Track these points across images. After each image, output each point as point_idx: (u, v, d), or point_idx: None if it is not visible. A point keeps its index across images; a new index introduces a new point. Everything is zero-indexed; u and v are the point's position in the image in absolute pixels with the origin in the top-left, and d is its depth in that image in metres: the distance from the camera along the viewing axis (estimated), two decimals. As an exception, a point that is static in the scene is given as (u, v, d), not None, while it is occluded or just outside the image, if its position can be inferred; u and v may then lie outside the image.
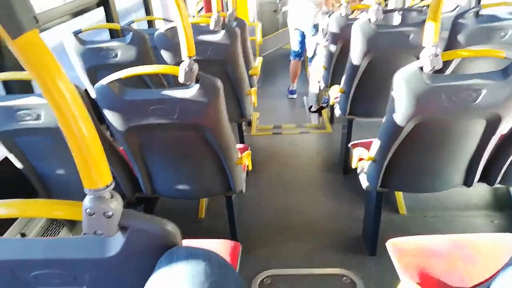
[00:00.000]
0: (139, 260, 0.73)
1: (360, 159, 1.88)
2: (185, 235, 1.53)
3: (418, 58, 1.41)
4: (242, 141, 2.94)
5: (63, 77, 0.61)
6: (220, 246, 1.46)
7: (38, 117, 1.40)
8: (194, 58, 1.45)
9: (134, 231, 0.72)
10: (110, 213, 0.68)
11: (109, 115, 1.48)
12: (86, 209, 0.67)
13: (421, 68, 1.36)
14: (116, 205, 0.69)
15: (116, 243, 0.72)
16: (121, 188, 1.78)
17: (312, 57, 3.99)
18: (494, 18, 2.30)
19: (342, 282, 1.92)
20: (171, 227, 0.74)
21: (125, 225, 0.71)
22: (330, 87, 2.95)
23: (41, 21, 2.26)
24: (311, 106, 4.15)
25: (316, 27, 4.01)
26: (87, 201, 0.68)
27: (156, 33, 2.28)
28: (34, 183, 1.73)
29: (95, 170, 0.67)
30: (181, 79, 1.44)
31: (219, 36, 2.23)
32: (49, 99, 0.61)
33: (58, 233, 1.92)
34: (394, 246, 1.43)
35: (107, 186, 0.68)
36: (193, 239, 1.52)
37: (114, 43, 2.31)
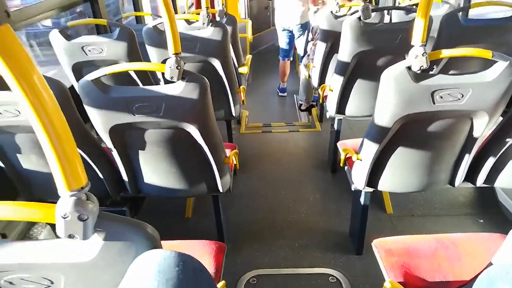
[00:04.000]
0: (117, 263, 0.71)
1: (348, 158, 1.88)
2: (172, 235, 1.52)
3: (406, 57, 1.41)
4: (230, 140, 2.92)
5: (36, 74, 0.59)
6: (205, 247, 1.44)
7: (18, 114, 1.36)
8: (182, 55, 1.43)
9: (111, 234, 0.69)
10: (85, 216, 0.66)
11: (93, 112, 1.45)
12: (60, 212, 0.65)
13: (409, 67, 1.36)
14: (91, 207, 0.67)
15: (92, 246, 0.70)
16: (106, 187, 1.75)
17: (303, 56, 3.98)
18: (483, 17, 2.31)
19: (328, 281, 1.92)
20: (150, 230, 0.72)
21: (101, 228, 0.69)
22: (320, 85, 2.95)
23: (26, 15, 2.21)
24: (301, 104, 4.15)
25: (303, 26, 4.00)
26: (61, 203, 0.66)
27: (143, 29, 2.24)
28: (14, 181, 1.69)
29: (69, 171, 0.64)
30: (167, 76, 1.41)
31: (208, 32, 2.20)
32: (20, 97, 0.58)
33: (41, 233, 1.88)
34: (380, 245, 1.43)
35: (82, 188, 0.66)
36: (178, 239, 1.51)
37: (100, 39, 2.27)
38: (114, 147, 1.58)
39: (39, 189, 1.72)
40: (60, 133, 0.62)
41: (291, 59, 4.34)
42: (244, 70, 3.07)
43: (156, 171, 1.70)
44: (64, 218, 0.65)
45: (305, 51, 3.90)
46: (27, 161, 1.63)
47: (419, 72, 1.36)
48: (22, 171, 1.66)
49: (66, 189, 0.65)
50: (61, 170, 0.64)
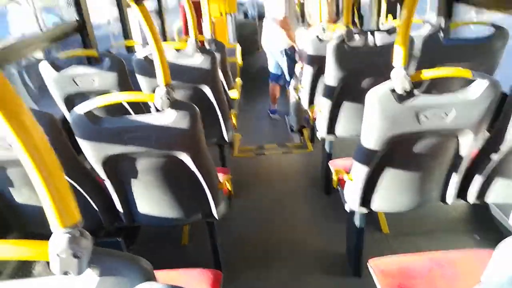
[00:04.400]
0: None
1: (340, 179, 1.89)
2: (168, 263, 1.51)
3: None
4: (224, 164, 2.93)
5: (24, 112, 0.60)
6: (201, 276, 1.43)
7: (9, 147, 1.37)
8: (172, 83, 1.46)
9: (105, 270, 0.69)
10: (80, 254, 0.66)
11: (84, 144, 1.46)
12: (54, 250, 0.65)
13: (392, 89, 1.39)
14: (85, 244, 0.67)
15: (87, 282, 0.70)
16: (100, 218, 1.74)
17: (290, 79, 4.05)
18: (463, 37, 2.39)
19: None
20: (143, 263, 0.73)
21: (95, 264, 0.69)
22: (309, 107, 2.99)
23: (18, 48, 2.24)
24: (292, 126, 4.19)
25: (284, 52, 4.02)
26: (54, 241, 0.66)
27: (134, 59, 2.28)
28: (7, 216, 1.68)
29: (62, 209, 0.65)
30: (157, 106, 1.43)
31: (197, 60, 2.24)
32: (8, 133, 0.59)
33: (34, 268, 1.84)
34: (376, 266, 1.43)
35: (76, 225, 0.66)
36: (175, 267, 1.50)
37: (91, 70, 2.30)
38: (108, 178, 1.59)
39: (32, 222, 1.70)
40: (51, 170, 0.62)
41: (281, 82, 4.38)
42: (234, 94, 3.11)
43: (150, 200, 1.70)
44: (58, 255, 0.65)
45: (292, 74, 3.97)
46: (19, 195, 1.62)
47: (402, 93, 1.39)
48: (15, 205, 1.64)
49: (60, 226, 0.65)
50: (54, 207, 0.64)
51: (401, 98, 1.39)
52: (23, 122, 0.60)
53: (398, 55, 1.37)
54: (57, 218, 0.65)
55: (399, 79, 1.36)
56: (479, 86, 1.38)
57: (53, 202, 0.64)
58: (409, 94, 1.39)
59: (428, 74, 1.43)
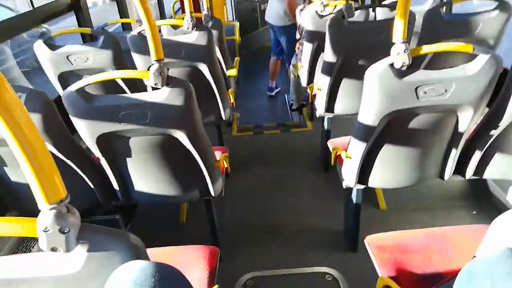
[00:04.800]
0: (101, 275, 0.70)
1: (338, 157, 1.88)
2: (166, 241, 1.51)
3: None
4: (221, 143, 2.92)
5: (5, 89, 0.58)
6: (198, 252, 1.44)
7: None
8: (167, 60, 1.43)
9: (94, 246, 0.69)
10: (67, 229, 0.65)
11: (78, 122, 1.44)
12: (41, 226, 0.65)
13: (392, 65, 1.36)
14: (72, 220, 0.66)
15: (76, 259, 0.69)
16: (97, 197, 1.74)
17: (290, 56, 3.99)
18: (465, 12, 2.33)
19: (324, 280, 1.92)
20: (133, 239, 0.72)
21: (84, 240, 0.69)
22: (308, 85, 2.96)
23: (9, 27, 2.20)
24: (292, 104, 4.16)
25: (285, 28, 3.98)
26: (41, 217, 0.65)
27: (128, 36, 2.23)
28: (4, 195, 1.68)
29: (48, 185, 0.64)
30: (150, 83, 1.41)
31: (193, 37, 2.20)
32: None
33: (34, 245, 1.86)
34: (373, 242, 1.43)
35: (62, 201, 0.65)
36: (173, 245, 1.50)
37: (85, 48, 2.26)
38: (103, 156, 1.58)
39: (27, 200, 1.71)
40: (34, 147, 0.61)
41: (281, 58, 4.32)
42: (232, 72, 3.07)
43: (146, 178, 1.70)
44: (45, 231, 0.65)
45: (292, 52, 3.91)
46: (15, 174, 1.61)
47: (402, 69, 1.36)
48: (11, 184, 1.64)
49: (45, 202, 0.65)
50: (39, 183, 0.63)
51: (401, 74, 1.36)
52: (4, 99, 0.58)
53: (398, 30, 1.34)
54: (43, 194, 0.64)
55: (398, 54, 1.33)
56: (480, 61, 1.35)
57: (37, 179, 0.63)
58: (409, 70, 1.37)
59: (428, 48, 1.39)
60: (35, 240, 1.89)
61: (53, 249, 0.67)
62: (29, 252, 1.82)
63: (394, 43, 1.36)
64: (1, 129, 0.59)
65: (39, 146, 0.62)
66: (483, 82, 1.37)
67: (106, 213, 1.99)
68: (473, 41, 1.70)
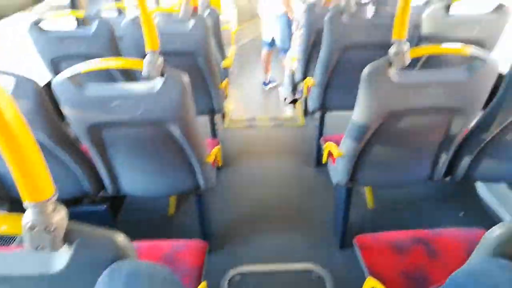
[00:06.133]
0: (87, 274, 0.69)
1: (330, 154, 1.88)
2: (154, 233, 1.50)
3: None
4: (214, 135, 2.89)
5: None
6: (186, 246, 1.43)
7: None
8: (162, 50, 1.39)
9: (80, 245, 0.67)
10: (53, 228, 0.63)
11: (69, 111, 1.40)
12: (26, 224, 0.62)
13: (389, 64, 1.35)
14: (59, 218, 0.64)
15: (62, 258, 0.67)
16: (84, 187, 1.71)
17: (285, 48, 3.95)
18: (464, 12, 2.32)
19: (311, 277, 1.93)
20: (121, 239, 0.70)
21: (70, 239, 0.67)
22: (303, 79, 2.94)
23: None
24: (285, 98, 4.13)
25: (280, 18, 3.92)
26: (27, 215, 0.63)
27: (122, 24, 2.18)
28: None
29: (35, 182, 0.61)
30: (144, 74, 1.37)
31: (189, 26, 2.15)
32: None
33: (14, 240, 1.82)
34: (361, 242, 1.44)
35: (48, 200, 0.63)
36: (161, 238, 1.49)
37: (78, 33, 2.21)
38: (92, 146, 1.54)
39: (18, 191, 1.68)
40: (20, 143, 0.58)
41: (272, 49, 4.23)
42: (227, 64, 3.03)
43: (136, 170, 1.67)
44: (31, 229, 0.63)
45: (286, 43, 3.86)
46: (2, 164, 1.57)
47: (399, 69, 1.35)
48: (2, 175, 1.60)
49: (31, 200, 0.62)
50: (26, 181, 0.60)
51: (397, 75, 1.35)
52: None
53: (398, 29, 1.32)
54: (28, 192, 0.62)
55: (397, 54, 1.32)
56: (476, 66, 1.34)
57: (23, 176, 0.60)
58: (405, 70, 1.36)
59: (426, 50, 1.38)
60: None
61: (38, 248, 0.65)
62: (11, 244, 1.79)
63: (393, 42, 1.35)
64: None
65: (26, 140, 0.58)
66: (478, 87, 1.37)
67: (94, 203, 1.96)
68: (471, 42, 1.69)
